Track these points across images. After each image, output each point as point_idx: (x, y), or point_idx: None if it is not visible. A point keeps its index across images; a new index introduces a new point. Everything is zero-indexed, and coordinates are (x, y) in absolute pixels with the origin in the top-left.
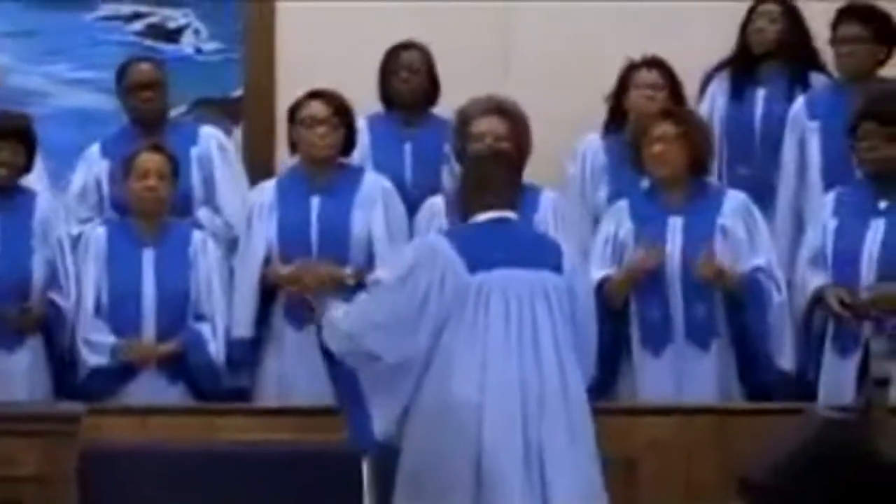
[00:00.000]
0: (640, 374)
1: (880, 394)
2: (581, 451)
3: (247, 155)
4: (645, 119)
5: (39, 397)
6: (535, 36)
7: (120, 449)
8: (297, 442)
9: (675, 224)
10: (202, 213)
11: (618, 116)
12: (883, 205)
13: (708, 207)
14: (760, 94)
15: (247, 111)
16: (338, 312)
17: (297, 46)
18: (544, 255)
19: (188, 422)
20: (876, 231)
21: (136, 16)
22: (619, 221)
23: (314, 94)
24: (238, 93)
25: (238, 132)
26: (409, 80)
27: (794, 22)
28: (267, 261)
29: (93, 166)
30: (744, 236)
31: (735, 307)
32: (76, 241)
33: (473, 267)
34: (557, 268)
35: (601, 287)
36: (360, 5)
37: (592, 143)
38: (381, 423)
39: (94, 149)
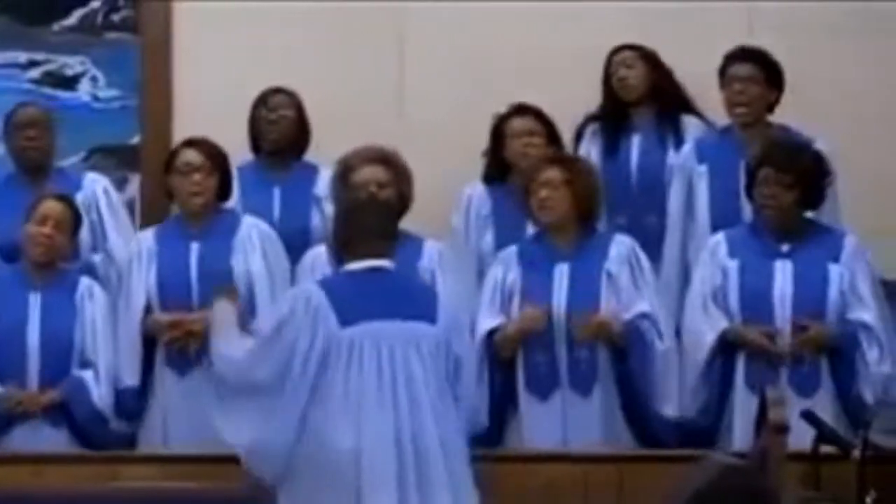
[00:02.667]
0: (527, 420)
1: (778, 441)
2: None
3: (144, 203)
4: (533, 164)
5: None
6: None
7: (13, 497)
8: (200, 489)
9: (562, 271)
10: (98, 260)
11: (497, 167)
12: (786, 247)
13: (594, 254)
14: (635, 142)
15: (144, 159)
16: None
17: (195, 95)
18: (418, 305)
19: (81, 470)
20: (783, 272)
21: (33, 63)
22: (507, 267)
23: (188, 143)
24: (135, 140)
25: (135, 180)
26: (277, 122)
27: (654, 66)
28: (148, 308)
29: None
30: (629, 283)
31: (618, 354)
32: None
33: (345, 321)
34: (432, 319)
35: (490, 336)
36: (258, 54)
37: (477, 189)
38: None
39: None
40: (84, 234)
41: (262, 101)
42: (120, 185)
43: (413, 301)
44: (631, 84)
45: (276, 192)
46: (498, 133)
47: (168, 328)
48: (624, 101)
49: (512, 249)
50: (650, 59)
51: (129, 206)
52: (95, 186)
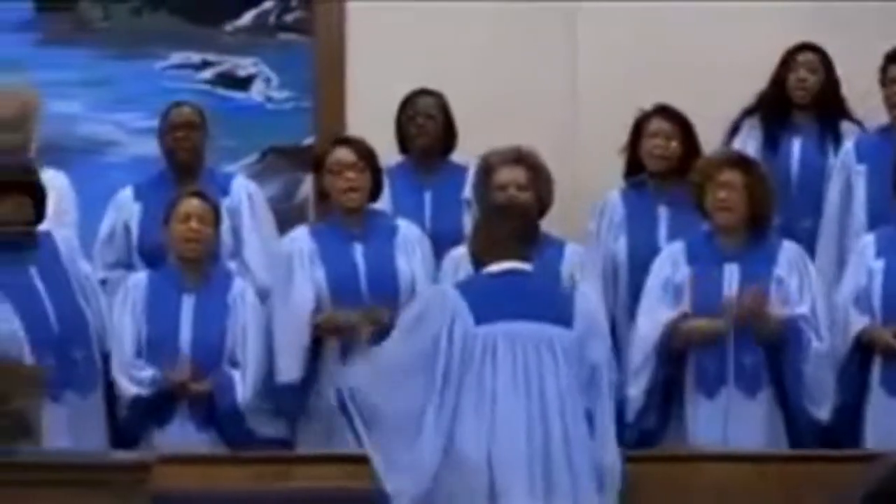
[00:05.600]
0: (691, 418)
1: None
2: None
3: (318, 202)
4: (710, 165)
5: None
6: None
7: (191, 496)
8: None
9: (732, 271)
10: (233, 267)
11: (635, 166)
12: None
13: (763, 258)
14: (796, 143)
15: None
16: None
17: (368, 94)
18: (555, 308)
19: (259, 469)
20: None
21: (206, 64)
22: (675, 264)
23: (340, 142)
24: (309, 141)
25: (309, 181)
26: (424, 124)
27: (830, 72)
28: (316, 308)
29: (123, 210)
30: (796, 288)
31: (774, 353)
32: (102, 284)
33: (480, 319)
34: (568, 322)
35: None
36: (430, 53)
37: (611, 196)
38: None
39: (127, 192)
40: (226, 237)
41: (409, 103)
42: (293, 185)
43: (550, 304)
44: (809, 87)
45: (428, 195)
46: (638, 131)
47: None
48: (792, 101)
49: (679, 246)
50: (829, 65)
51: (303, 207)
52: (242, 192)
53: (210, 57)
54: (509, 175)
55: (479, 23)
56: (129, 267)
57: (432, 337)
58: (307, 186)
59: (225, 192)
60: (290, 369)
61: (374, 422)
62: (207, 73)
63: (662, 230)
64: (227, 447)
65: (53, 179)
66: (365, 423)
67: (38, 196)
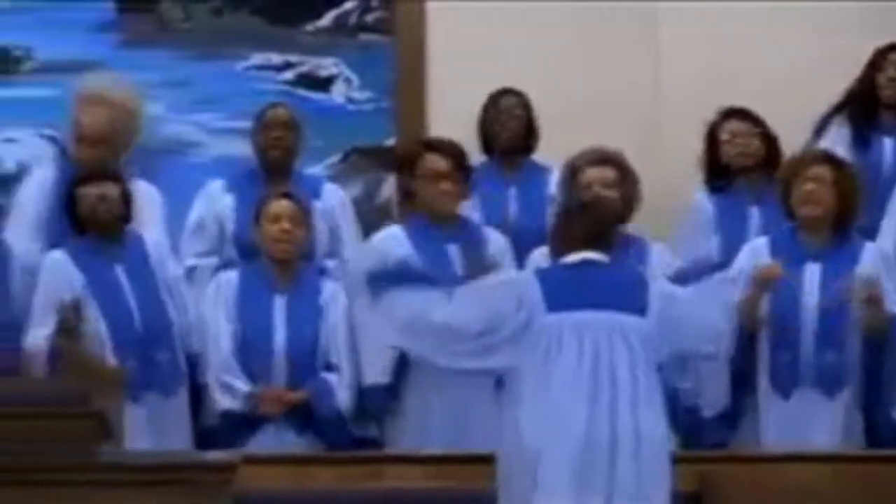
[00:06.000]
0: (765, 418)
1: None
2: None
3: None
4: (799, 161)
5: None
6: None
7: (275, 497)
8: (459, 489)
9: (813, 270)
10: (332, 266)
11: (715, 171)
12: None
13: (846, 258)
14: (888, 144)
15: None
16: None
17: (448, 93)
18: (629, 297)
19: (344, 469)
20: None
21: (287, 65)
22: (756, 258)
23: (431, 147)
24: (390, 141)
25: (391, 181)
26: (508, 126)
27: None
28: None
29: (215, 201)
30: (886, 285)
31: (870, 351)
32: (190, 272)
33: (552, 306)
34: (642, 311)
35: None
36: (510, 54)
37: (699, 197)
38: None
39: (217, 184)
40: (322, 239)
41: (492, 103)
42: (375, 186)
43: (623, 293)
44: None
45: (512, 192)
46: (712, 138)
47: None
48: (881, 100)
49: (762, 241)
50: None
51: (385, 208)
52: (335, 197)
53: (291, 57)
54: (596, 174)
55: (559, 22)
56: (220, 257)
57: (507, 300)
58: (389, 187)
59: (316, 195)
60: (379, 371)
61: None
62: (288, 74)
63: (753, 230)
64: (326, 450)
65: (142, 186)
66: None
67: (126, 196)
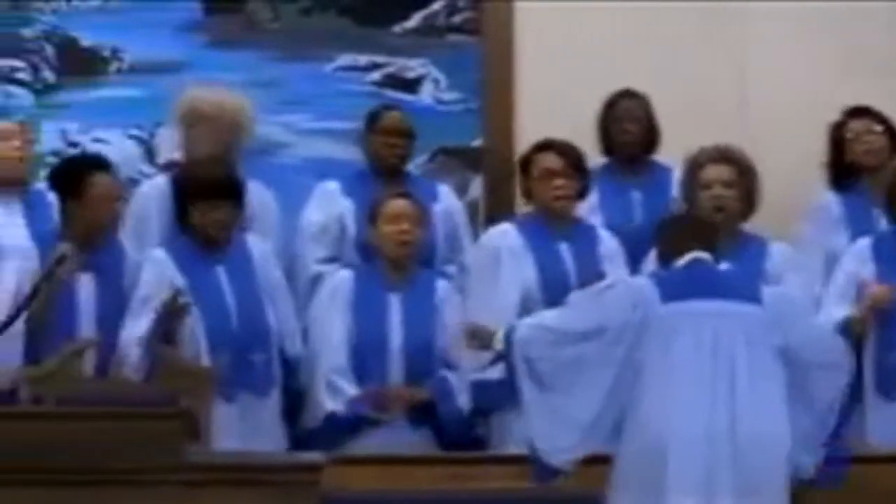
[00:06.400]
0: (870, 419)
1: None
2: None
3: (487, 204)
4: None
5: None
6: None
7: (360, 498)
8: (539, 490)
9: None
10: (453, 270)
11: (841, 172)
12: None
13: None
14: None
15: (486, 161)
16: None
17: (537, 94)
18: (742, 288)
19: (428, 471)
20: None
21: (374, 66)
22: (861, 261)
23: (546, 147)
24: (477, 142)
25: (478, 182)
26: (629, 129)
27: None
28: (523, 304)
29: (335, 205)
30: None
31: None
32: (315, 280)
33: (666, 298)
34: (757, 300)
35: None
36: (599, 54)
37: (825, 197)
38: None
39: (333, 187)
40: (440, 243)
41: (613, 105)
42: (463, 186)
43: (737, 284)
44: None
45: (635, 196)
46: (837, 139)
47: None
48: None
49: (865, 243)
50: None
51: (473, 208)
52: (452, 200)
53: (378, 58)
54: (715, 172)
55: (648, 21)
56: (342, 261)
57: (617, 308)
58: (476, 187)
59: (434, 197)
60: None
61: (542, 381)
62: (376, 75)
63: (880, 228)
64: (443, 450)
65: (256, 190)
66: (531, 379)
67: (238, 199)
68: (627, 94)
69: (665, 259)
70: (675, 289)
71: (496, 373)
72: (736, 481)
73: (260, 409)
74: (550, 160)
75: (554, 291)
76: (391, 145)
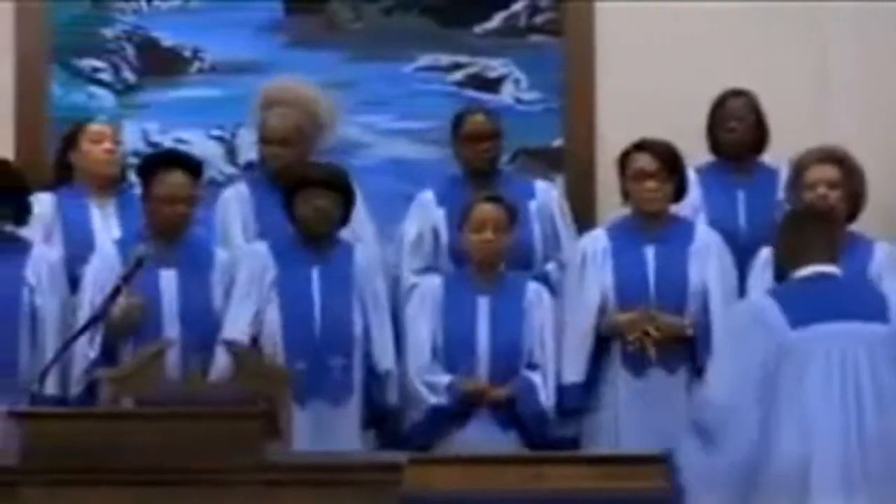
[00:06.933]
0: None
1: None
2: None
3: (569, 202)
4: None
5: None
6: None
7: (442, 498)
8: (624, 490)
9: None
10: (551, 268)
11: None
12: None
13: None
14: None
15: (568, 161)
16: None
17: (618, 94)
18: (869, 306)
19: (511, 470)
20: None
21: (456, 66)
22: None
23: (640, 146)
24: (558, 142)
25: (559, 182)
26: (735, 128)
27: None
28: (601, 309)
29: (429, 215)
30: None
31: None
32: (411, 290)
33: (795, 323)
34: (884, 319)
35: None
36: (680, 52)
37: None
38: None
39: (428, 196)
40: (537, 241)
41: (720, 104)
42: None
43: (863, 302)
44: None
45: (741, 196)
46: None
47: (628, 328)
48: None
49: None
50: None
51: None
52: (549, 196)
53: (460, 59)
54: (820, 173)
55: (729, 21)
56: (438, 270)
57: (750, 357)
58: (557, 187)
59: (530, 195)
60: (571, 370)
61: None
62: (457, 75)
63: None
64: (530, 449)
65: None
66: None
67: (346, 200)
68: (734, 94)
69: (785, 264)
70: (802, 313)
71: (580, 375)
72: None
73: (334, 417)
74: (644, 160)
75: (630, 296)
76: (477, 149)
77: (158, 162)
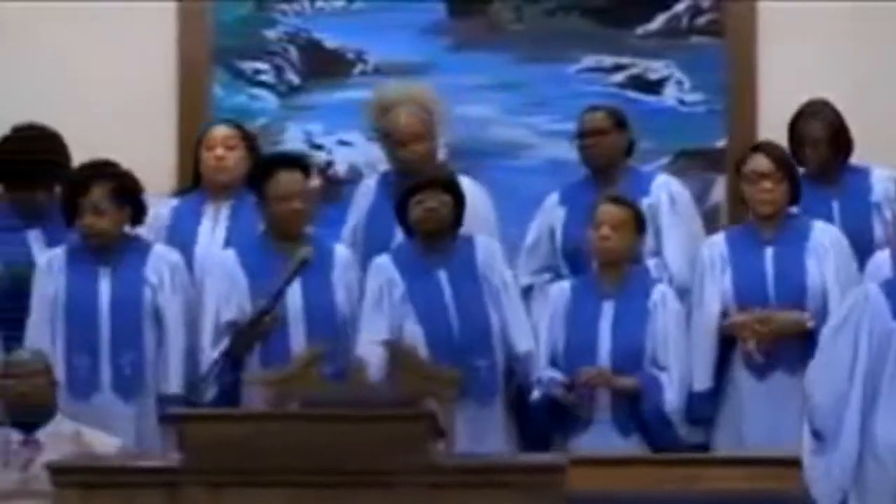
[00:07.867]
0: None
1: None
2: None
3: (731, 205)
4: None
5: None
6: None
7: (605, 499)
8: (752, 491)
9: None
10: (652, 264)
11: None
12: None
13: None
14: None
15: (730, 162)
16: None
17: (780, 95)
18: None
19: (667, 472)
20: None
21: (618, 67)
22: None
23: (757, 148)
24: (721, 143)
25: (721, 183)
26: (810, 155)
27: None
28: (724, 312)
29: (549, 215)
30: None
31: None
32: (527, 292)
33: None
34: None
35: None
36: (841, 54)
37: None
38: None
39: (554, 197)
40: (648, 239)
41: (793, 126)
42: (706, 188)
43: None
44: None
45: (834, 206)
46: None
47: (739, 331)
48: None
49: None
50: None
51: (714, 210)
52: (662, 190)
53: (622, 60)
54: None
55: (891, 20)
56: (554, 271)
57: (852, 344)
58: (720, 189)
59: (645, 192)
60: (701, 377)
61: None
62: (619, 77)
63: None
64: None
65: (469, 187)
66: None
67: (457, 199)
68: (803, 115)
69: None
70: None
71: (708, 382)
72: None
73: (483, 418)
74: (759, 162)
75: (749, 300)
76: (586, 146)
77: (268, 165)
